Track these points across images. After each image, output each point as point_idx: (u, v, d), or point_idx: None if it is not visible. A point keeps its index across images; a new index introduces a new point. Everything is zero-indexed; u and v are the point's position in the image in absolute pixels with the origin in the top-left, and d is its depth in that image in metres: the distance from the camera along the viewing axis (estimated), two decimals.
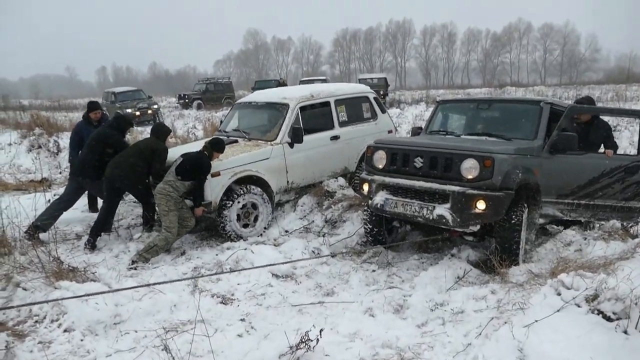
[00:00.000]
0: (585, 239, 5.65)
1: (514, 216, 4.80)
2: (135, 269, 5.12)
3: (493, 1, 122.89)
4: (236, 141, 6.63)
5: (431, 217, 4.79)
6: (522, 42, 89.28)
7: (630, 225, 6.15)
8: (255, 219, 6.26)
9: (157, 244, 5.41)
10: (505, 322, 3.65)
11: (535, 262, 5.20)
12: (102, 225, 5.95)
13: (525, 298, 3.93)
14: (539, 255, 5.42)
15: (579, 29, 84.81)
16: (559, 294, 3.72)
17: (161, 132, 6.08)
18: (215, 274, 4.70)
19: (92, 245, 5.74)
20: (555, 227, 6.42)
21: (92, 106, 7.24)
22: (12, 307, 3.57)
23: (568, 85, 45.41)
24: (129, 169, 5.74)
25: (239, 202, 6.02)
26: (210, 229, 6.74)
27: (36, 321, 3.67)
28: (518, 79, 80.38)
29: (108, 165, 5.84)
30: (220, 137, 6.31)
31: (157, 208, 5.68)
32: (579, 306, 3.53)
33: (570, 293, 3.65)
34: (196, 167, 5.57)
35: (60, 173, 10.48)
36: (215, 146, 5.76)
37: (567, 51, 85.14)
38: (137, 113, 21.36)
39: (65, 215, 6.37)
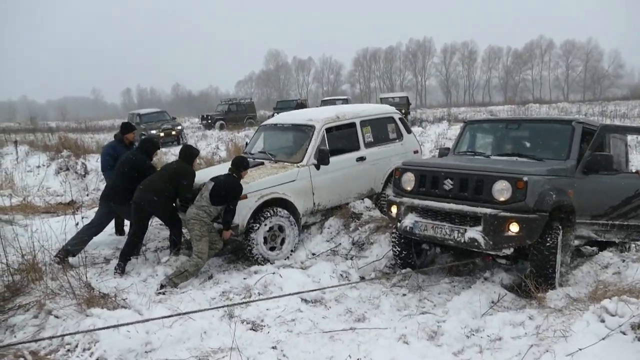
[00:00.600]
0: (623, 261, 5.49)
1: (548, 239, 4.67)
2: (164, 293, 5.10)
3: (514, 19, 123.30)
4: (262, 163, 6.64)
5: (463, 240, 4.69)
6: (543, 59, 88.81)
7: None
8: (282, 242, 6.22)
9: (187, 269, 5.39)
10: (547, 350, 3.52)
11: (573, 285, 5.04)
12: (132, 250, 5.96)
13: (565, 325, 3.79)
14: (576, 278, 5.26)
15: (602, 45, 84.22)
16: (602, 321, 3.59)
17: (189, 155, 6.11)
18: (247, 301, 4.64)
19: (122, 270, 5.75)
20: (589, 248, 6.26)
21: (128, 128, 7.16)
22: (45, 338, 3.56)
23: (592, 102, 44.77)
24: (156, 193, 5.76)
25: (265, 225, 5.99)
26: (237, 251, 6.71)
27: (68, 350, 3.65)
28: (540, 96, 79.63)
29: (137, 189, 5.87)
30: (243, 156, 6.30)
31: (189, 233, 5.66)
32: (624, 334, 3.40)
33: (615, 320, 3.51)
34: (229, 190, 5.59)
35: (87, 195, 10.60)
36: (240, 166, 5.76)
37: (590, 67, 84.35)
38: (162, 134, 21.68)
39: (94, 239, 6.41)
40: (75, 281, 4.58)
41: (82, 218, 7.57)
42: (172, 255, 6.07)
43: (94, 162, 12.44)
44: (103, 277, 5.56)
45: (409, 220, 5.12)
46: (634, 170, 5.96)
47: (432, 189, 5.08)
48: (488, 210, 4.58)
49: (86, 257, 5.80)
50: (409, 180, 5.30)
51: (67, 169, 12.22)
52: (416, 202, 5.14)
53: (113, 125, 41.10)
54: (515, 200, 4.51)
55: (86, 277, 4.76)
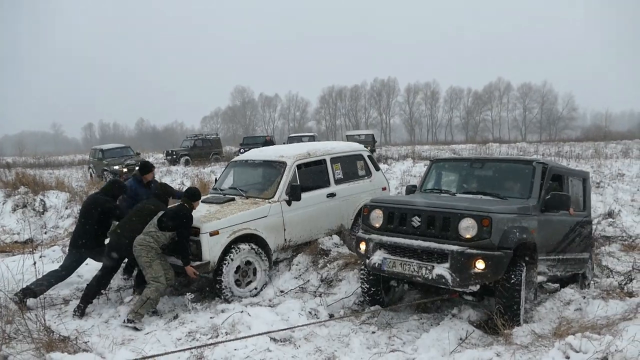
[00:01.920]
0: (584, 297, 5.64)
1: (513, 276, 4.77)
2: (135, 329, 4.98)
3: (474, 62, 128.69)
4: (233, 199, 6.60)
5: (430, 277, 4.75)
6: (502, 100, 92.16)
7: (625, 282, 6.21)
8: (253, 279, 6.16)
9: (149, 297, 5.26)
10: None
11: (537, 321, 5.14)
12: (96, 293, 5.75)
13: None
14: (540, 314, 5.36)
15: (556, 89, 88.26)
16: (567, 357, 3.68)
17: (162, 194, 6.04)
18: (215, 342, 4.53)
19: (81, 312, 5.53)
20: (551, 285, 6.42)
21: (147, 168, 6.99)
22: None
23: (548, 142, 46.53)
24: (134, 236, 5.62)
25: (235, 262, 5.92)
26: (202, 290, 6.57)
27: None
28: (500, 135, 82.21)
29: (111, 232, 5.75)
30: (196, 187, 6.28)
31: (138, 261, 5.53)
32: None
33: (579, 356, 3.60)
34: (178, 219, 5.52)
35: (45, 233, 10.24)
36: (193, 196, 5.77)
37: (546, 109, 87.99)
38: (125, 170, 21.27)
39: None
40: (32, 324, 4.38)
41: (40, 257, 7.30)
42: (136, 295, 5.90)
43: (53, 198, 12.06)
44: (62, 319, 5.35)
45: (377, 257, 5.15)
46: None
47: (400, 225, 5.15)
48: (455, 247, 4.66)
49: (45, 298, 5.57)
50: (377, 217, 5.36)
51: (25, 206, 11.76)
52: (384, 238, 5.19)
53: (73, 160, 40.13)
54: (481, 237, 4.61)
55: (44, 320, 4.56)
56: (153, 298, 5.31)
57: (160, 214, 5.62)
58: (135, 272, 6.03)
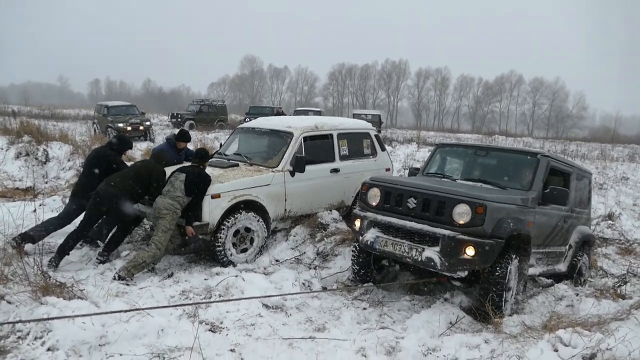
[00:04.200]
0: (577, 294, 5.66)
1: (498, 266, 4.79)
2: (127, 284, 5.03)
3: (487, 51, 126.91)
4: (237, 165, 6.60)
5: (419, 259, 4.78)
6: (512, 93, 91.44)
7: (619, 284, 6.24)
8: (249, 245, 6.18)
9: (145, 260, 5.29)
10: None
11: (528, 314, 5.18)
12: (73, 245, 5.63)
13: (520, 351, 3.87)
14: (531, 307, 5.41)
15: (568, 86, 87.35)
16: (556, 350, 3.70)
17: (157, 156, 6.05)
18: (208, 302, 4.56)
19: (56, 264, 5.43)
20: (545, 280, 6.46)
21: (185, 137, 7.16)
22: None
23: (555, 139, 46.32)
24: (124, 190, 5.59)
25: (234, 226, 5.93)
26: (199, 251, 6.61)
27: (19, 337, 3.48)
28: (507, 129, 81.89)
29: (103, 182, 5.69)
30: (205, 149, 6.30)
31: (155, 222, 5.53)
32: None
33: (568, 350, 3.63)
34: (201, 181, 5.58)
35: (47, 183, 10.26)
36: (205, 157, 5.88)
37: (555, 106, 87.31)
38: (129, 128, 21.20)
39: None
40: (30, 268, 4.41)
41: (40, 205, 7.32)
42: (133, 250, 5.92)
43: (56, 149, 12.06)
44: (58, 268, 5.38)
45: (370, 235, 5.18)
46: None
47: (396, 206, 5.17)
48: (447, 232, 4.68)
49: (42, 245, 5.60)
50: (374, 196, 5.37)
51: (27, 155, 11.78)
52: (379, 217, 5.21)
53: (78, 114, 39.99)
54: (474, 224, 4.62)
55: (41, 264, 4.59)
56: (148, 263, 5.34)
57: (182, 178, 5.58)
58: (80, 225, 5.73)
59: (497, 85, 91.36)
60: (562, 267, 6.24)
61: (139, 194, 5.77)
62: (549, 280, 6.43)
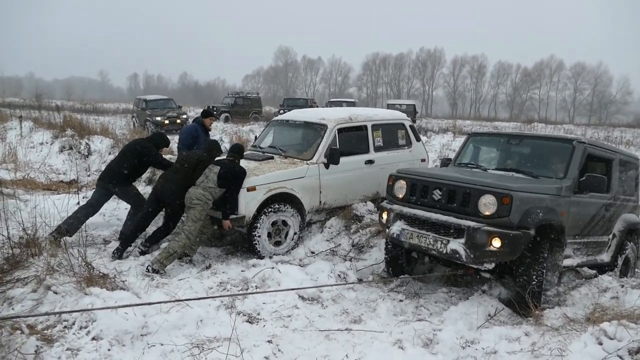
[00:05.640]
0: (622, 286, 5.47)
1: (530, 257, 4.66)
2: (158, 273, 5.16)
3: (525, 37, 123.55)
4: (272, 157, 6.64)
5: (445, 251, 4.71)
6: (552, 79, 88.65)
7: None
8: (284, 238, 6.23)
9: (176, 250, 5.38)
10: None
11: (570, 306, 5.03)
12: (135, 235, 5.90)
13: (562, 344, 3.77)
14: (574, 299, 5.25)
15: (612, 71, 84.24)
16: (600, 344, 3.59)
17: (213, 149, 6.11)
18: (245, 293, 4.63)
19: (120, 255, 5.70)
20: (588, 270, 6.26)
21: (208, 114, 8.05)
22: (43, 314, 3.55)
23: (597, 126, 44.68)
24: (181, 187, 5.71)
25: (270, 219, 5.99)
26: (235, 243, 6.71)
27: (65, 327, 3.63)
28: (546, 116, 79.52)
29: (160, 177, 5.94)
30: (241, 144, 6.41)
31: (187, 212, 5.64)
32: (621, 358, 3.39)
33: (613, 344, 3.51)
34: (236, 176, 5.65)
35: (89, 176, 10.59)
36: (242, 152, 6.06)
37: (598, 92, 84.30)
38: (166, 121, 21.64)
39: (92, 219, 6.39)
40: (74, 259, 4.56)
41: (84, 198, 7.55)
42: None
43: (98, 143, 12.42)
44: (102, 258, 5.55)
45: (396, 228, 5.14)
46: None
47: (421, 198, 5.10)
48: (472, 223, 4.58)
49: (86, 237, 5.79)
50: (401, 188, 5.32)
51: (71, 148, 12.18)
52: (405, 210, 5.16)
53: (118, 108, 41.00)
54: (500, 215, 4.50)
55: (85, 256, 4.74)
56: (179, 253, 5.44)
57: (215, 170, 5.66)
58: (140, 217, 5.99)
59: (536, 72, 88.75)
60: (604, 257, 6.01)
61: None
62: (592, 271, 6.23)
